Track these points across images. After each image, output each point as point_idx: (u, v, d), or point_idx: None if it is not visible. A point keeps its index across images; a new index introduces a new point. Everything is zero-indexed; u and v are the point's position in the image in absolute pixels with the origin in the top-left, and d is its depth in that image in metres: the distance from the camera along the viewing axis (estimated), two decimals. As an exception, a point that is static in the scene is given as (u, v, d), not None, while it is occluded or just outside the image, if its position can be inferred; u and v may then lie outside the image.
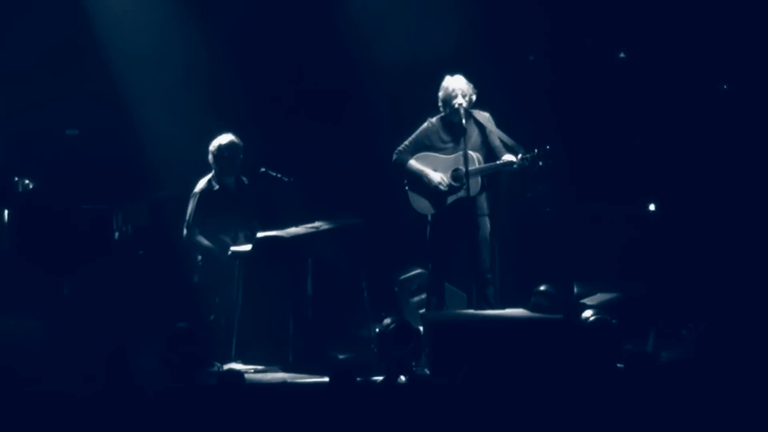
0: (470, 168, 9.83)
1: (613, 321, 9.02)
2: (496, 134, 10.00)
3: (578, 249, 11.32)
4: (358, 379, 7.81)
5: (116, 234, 10.25)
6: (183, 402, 7.38)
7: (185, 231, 10.23)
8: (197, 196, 10.24)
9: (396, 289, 11.03)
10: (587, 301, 10.09)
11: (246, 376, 9.20)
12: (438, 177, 10.01)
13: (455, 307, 10.39)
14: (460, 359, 8.53)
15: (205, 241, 10.18)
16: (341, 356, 10.08)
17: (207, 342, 9.25)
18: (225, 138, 10.25)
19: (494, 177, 10.23)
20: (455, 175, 9.97)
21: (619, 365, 8.64)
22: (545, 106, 11.56)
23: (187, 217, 10.23)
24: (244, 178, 10.39)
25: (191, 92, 11.56)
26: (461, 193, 9.92)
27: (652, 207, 11.62)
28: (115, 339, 9.30)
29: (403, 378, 8.71)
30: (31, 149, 11.35)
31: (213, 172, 10.29)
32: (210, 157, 10.26)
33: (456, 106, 9.91)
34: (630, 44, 11.88)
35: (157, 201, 10.84)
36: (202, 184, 10.29)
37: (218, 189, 10.27)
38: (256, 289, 10.00)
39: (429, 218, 10.09)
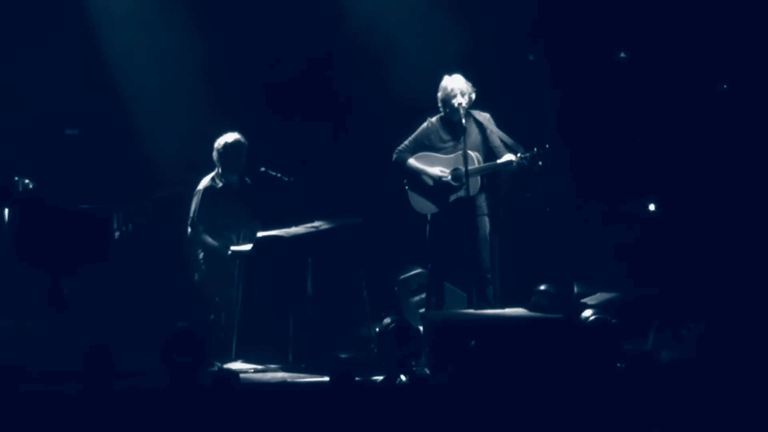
0: (470, 167, 9.83)
1: (613, 321, 9.01)
2: (496, 134, 10.00)
3: (578, 249, 11.31)
4: (357, 378, 7.81)
5: (117, 233, 10.23)
6: (180, 402, 7.37)
7: (189, 229, 10.21)
8: (201, 193, 10.22)
9: (396, 289, 11.02)
10: (587, 301, 10.09)
11: (246, 375, 9.24)
12: (437, 170, 10.01)
13: (455, 307, 10.38)
14: (460, 359, 8.52)
15: (210, 239, 10.16)
16: (342, 356, 10.07)
17: (207, 341, 9.23)
18: (231, 137, 10.24)
19: (494, 177, 10.23)
20: (455, 174, 9.97)
21: (619, 365, 8.63)
22: (545, 106, 11.55)
23: (191, 214, 10.21)
24: (247, 178, 10.37)
25: (191, 91, 11.55)
26: (461, 193, 9.92)
27: (652, 207, 11.62)
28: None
29: (403, 378, 8.70)
30: (31, 149, 11.35)
31: (217, 170, 10.28)
32: (215, 155, 10.24)
33: (455, 105, 9.91)
34: (630, 44, 11.88)
35: (160, 200, 10.83)
36: (205, 181, 10.28)
37: (222, 186, 10.25)
38: (257, 288, 10.00)
39: (429, 218, 10.09)
